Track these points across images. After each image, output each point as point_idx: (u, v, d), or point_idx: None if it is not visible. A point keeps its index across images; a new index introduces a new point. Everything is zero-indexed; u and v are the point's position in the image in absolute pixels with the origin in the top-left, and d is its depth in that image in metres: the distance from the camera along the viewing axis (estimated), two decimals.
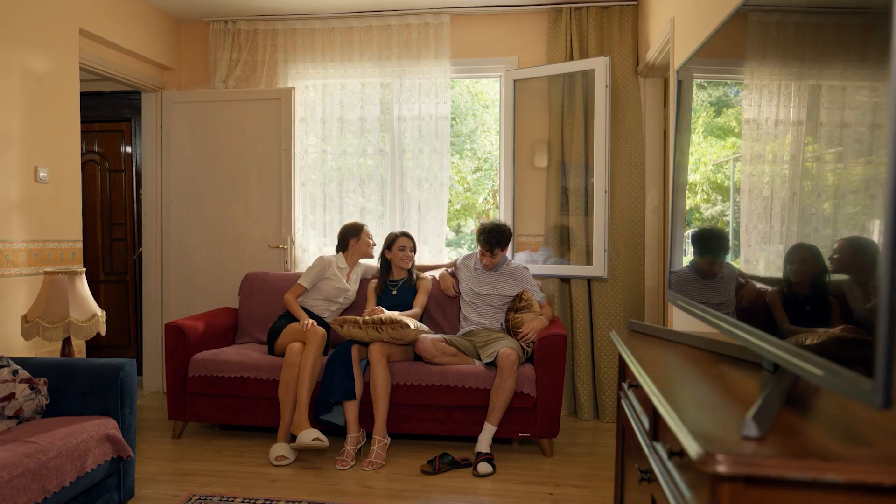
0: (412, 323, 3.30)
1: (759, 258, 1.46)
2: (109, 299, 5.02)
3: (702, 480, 0.96)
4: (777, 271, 1.34)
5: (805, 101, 1.27)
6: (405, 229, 4.16)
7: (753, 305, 1.42)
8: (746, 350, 1.54)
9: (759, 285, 1.41)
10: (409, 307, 3.64)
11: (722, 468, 0.87)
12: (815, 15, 1.28)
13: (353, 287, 3.80)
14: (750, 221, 1.52)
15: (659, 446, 1.33)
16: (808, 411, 1.19)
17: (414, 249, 3.76)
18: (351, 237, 3.77)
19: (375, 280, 3.80)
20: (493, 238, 3.63)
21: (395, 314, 3.34)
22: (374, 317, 3.27)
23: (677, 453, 1.15)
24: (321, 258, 3.74)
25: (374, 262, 4.06)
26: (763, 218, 1.43)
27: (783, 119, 1.37)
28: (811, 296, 1.16)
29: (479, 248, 3.71)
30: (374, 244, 3.84)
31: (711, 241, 1.85)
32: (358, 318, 3.30)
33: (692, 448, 0.92)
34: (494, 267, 3.73)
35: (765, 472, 0.86)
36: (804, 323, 1.17)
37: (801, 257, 1.23)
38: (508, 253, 3.98)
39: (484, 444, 3.20)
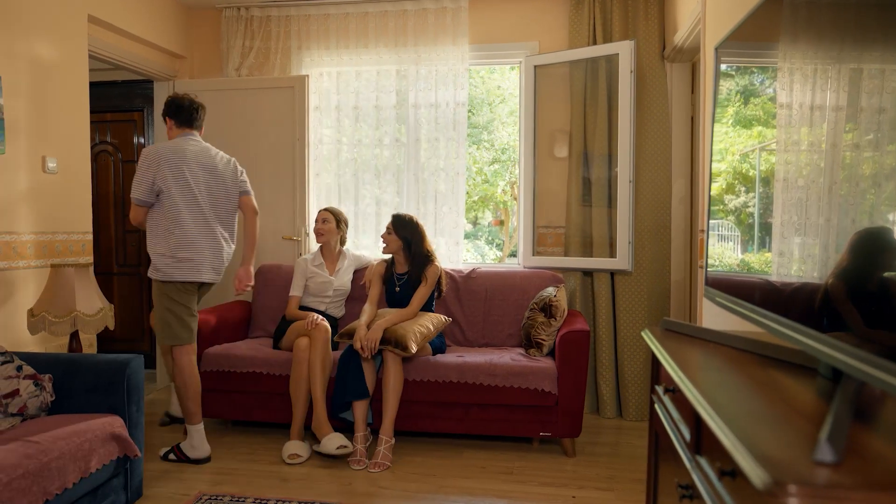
0: (413, 338, 3.11)
1: (815, 250, 1.31)
2: (122, 292, 4.96)
3: None
4: (844, 265, 1.19)
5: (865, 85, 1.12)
6: (422, 221, 3.87)
7: (814, 303, 1.27)
8: (798, 353, 1.39)
9: (820, 282, 1.26)
10: None
11: (795, 501, 0.73)
12: None
13: (339, 279, 3.70)
14: (807, 209, 1.37)
15: (704, 462, 1.19)
16: (877, 425, 1.05)
17: (392, 230, 3.44)
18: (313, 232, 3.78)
19: (383, 267, 3.56)
20: None
21: (390, 323, 3.18)
22: (371, 344, 3.10)
23: (729, 473, 1.02)
24: (297, 262, 3.73)
25: (366, 253, 4.03)
26: (811, 207, 1.28)
27: (829, 104, 1.22)
28: (886, 290, 1.02)
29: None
30: (324, 225, 3.67)
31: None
32: (357, 339, 3.14)
33: (757, 475, 0.79)
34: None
35: None
36: (876, 323, 1.03)
37: (871, 245, 1.08)
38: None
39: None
